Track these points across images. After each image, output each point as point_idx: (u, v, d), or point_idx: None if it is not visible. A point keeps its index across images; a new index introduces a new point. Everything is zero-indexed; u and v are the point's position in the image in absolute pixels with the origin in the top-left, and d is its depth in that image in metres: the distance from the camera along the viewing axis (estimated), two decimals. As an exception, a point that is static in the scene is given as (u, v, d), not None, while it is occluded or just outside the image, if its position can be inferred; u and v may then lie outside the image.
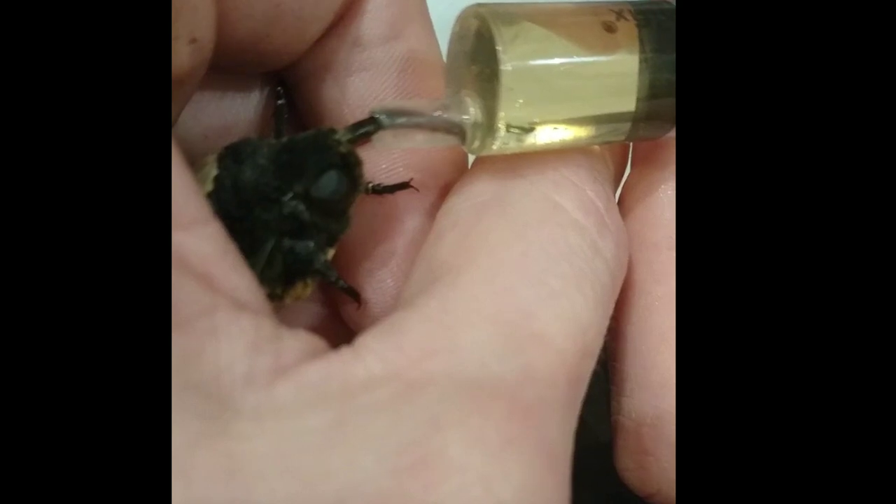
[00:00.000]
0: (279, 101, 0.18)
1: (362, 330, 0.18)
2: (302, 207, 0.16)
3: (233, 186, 0.15)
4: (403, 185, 0.18)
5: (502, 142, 0.16)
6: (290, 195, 0.16)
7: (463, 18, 0.16)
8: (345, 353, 0.13)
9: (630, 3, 0.17)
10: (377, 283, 0.18)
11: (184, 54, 0.14)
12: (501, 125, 0.16)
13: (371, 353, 0.13)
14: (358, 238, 0.18)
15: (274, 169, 0.15)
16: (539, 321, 0.14)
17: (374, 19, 0.17)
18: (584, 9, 0.16)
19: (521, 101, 0.15)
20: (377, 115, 0.16)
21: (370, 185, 0.18)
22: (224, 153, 0.16)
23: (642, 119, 0.17)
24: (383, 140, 0.16)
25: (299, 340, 0.13)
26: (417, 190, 0.18)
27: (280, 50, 0.17)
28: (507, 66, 0.15)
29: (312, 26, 0.17)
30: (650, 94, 0.16)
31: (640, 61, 0.16)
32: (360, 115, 0.18)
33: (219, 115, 0.18)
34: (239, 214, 0.15)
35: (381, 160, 0.18)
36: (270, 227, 0.16)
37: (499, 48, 0.15)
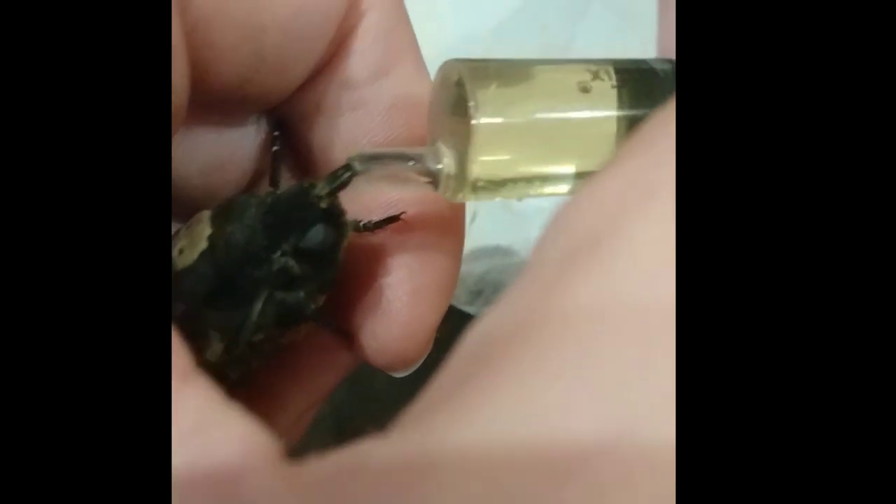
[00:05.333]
0: (274, 148, 0.19)
1: (365, 360, 0.19)
2: (292, 262, 0.16)
3: (225, 246, 0.16)
4: (393, 219, 0.18)
5: (474, 193, 0.16)
6: (279, 252, 0.16)
7: (444, 69, 0.17)
8: None
9: (612, 60, 0.17)
10: (375, 319, 0.18)
11: None
12: (472, 178, 0.16)
13: None
14: (353, 274, 0.18)
15: (262, 229, 0.16)
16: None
17: (361, 59, 0.18)
18: (561, 67, 0.17)
19: (491, 156, 0.16)
20: (352, 163, 0.16)
21: (360, 223, 0.18)
22: (217, 212, 0.17)
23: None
24: (359, 187, 0.16)
25: None
26: (407, 223, 0.18)
27: (266, 92, 0.18)
28: (478, 121, 0.16)
29: (297, 70, 0.17)
30: None
31: (617, 122, 0.16)
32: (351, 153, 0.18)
33: (216, 152, 0.19)
34: (232, 272, 0.16)
35: (382, 195, 0.18)
36: (262, 282, 0.16)
37: (471, 103, 0.16)
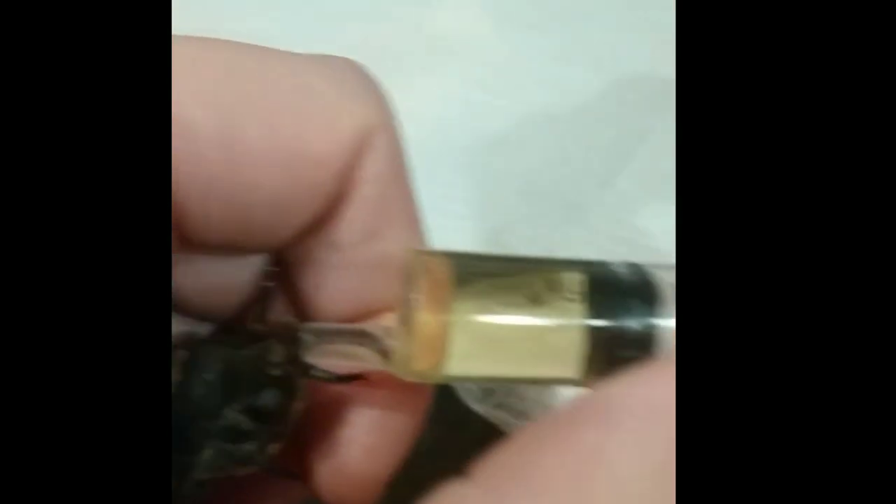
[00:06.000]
0: (266, 284, 0.19)
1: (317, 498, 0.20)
2: (242, 419, 0.17)
3: (184, 398, 0.17)
4: (358, 377, 0.19)
5: (423, 379, 0.17)
6: (231, 409, 0.17)
7: (412, 253, 0.17)
8: None
9: (580, 264, 0.17)
10: (327, 467, 0.19)
11: None
12: (417, 370, 0.16)
13: None
14: (313, 419, 0.19)
15: (219, 386, 0.17)
16: None
17: (351, 225, 0.18)
18: (520, 271, 0.16)
19: (433, 353, 0.16)
20: (303, 336, 0.17)
21: (325, 374, 0.19)
22: (188, 359, 0.18)
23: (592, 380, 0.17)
24: (309, 359, 0.17)
25: None
26: (373, 379, 0.19)
27: (254, 249, 0.19)
28: (420, 318, 0.16)
29: (284, 235, 0.18)
30: (592, 366, 0.16)
31: (569, 334, 0.16)
32: (339, 306, 0.19)
33: (214, 279, 0.20)
34: (186, 423, 0.17)
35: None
36: (211, 434, 0.17)
37: (414, 297, 0.16)
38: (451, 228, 0.33)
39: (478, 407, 0.30)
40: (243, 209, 0.17)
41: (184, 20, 0.37)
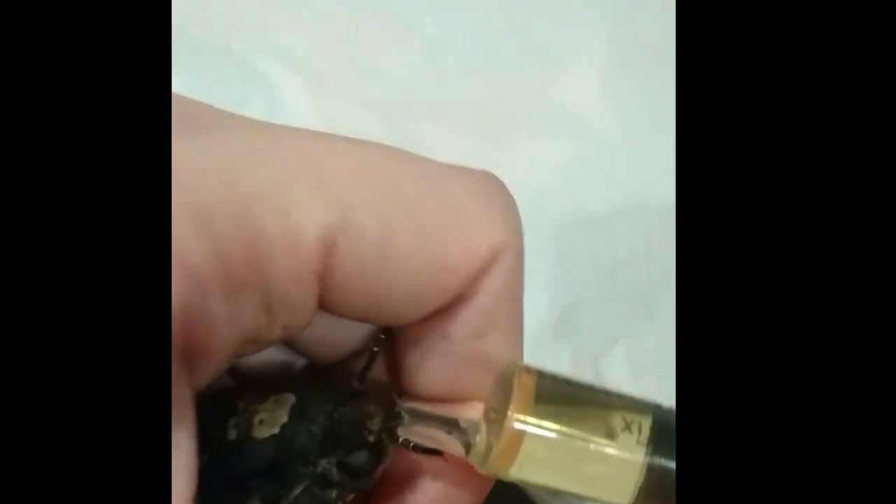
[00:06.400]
0: (374, 349, 0.22)
1: None
2: (333, 470, 0.20)
3: (289, 442, 0.20)
4: (436, 453, 0.21)
5: (497, 475, 0.19)
6: (325, 459, 0.20)
7: (510, 363, 0.19)
8: None
9: (654, 408, 0.19)
10: None
11: (275, 332, 0.19)
12: (494, 469, 0.19)
13: None
14: (385, 476, 0.21)
15: (320, 438, 0.20)
16: None
17: (463, 324, 0.20)
18: (601, 403, 0.19)
19: (512, 459, 0.18)
20: (403, 413, 0.19)
21: (408, 442, 0.21)
22: (297, 403, 0.20)
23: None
24: (402, 434, 0.19)
25: None
26: (447, 459, 0.21)
27: (375, 324, 0.21)
28: (511, 427, 0.18)
29: (405, 320, 0.20)
30: (641, 497, 0.18)
31: (633, 468, 0.18)
32: (433, 386, 0.21)
33: (331, 331, 0.22)
34: (286, 462, 0.20)
35: None
36: (303, 477, 0.20)
37: (510, 409, 0.18)
38: (526, 298, 0.35)
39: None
40: (380, 300, 0.19)
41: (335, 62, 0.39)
